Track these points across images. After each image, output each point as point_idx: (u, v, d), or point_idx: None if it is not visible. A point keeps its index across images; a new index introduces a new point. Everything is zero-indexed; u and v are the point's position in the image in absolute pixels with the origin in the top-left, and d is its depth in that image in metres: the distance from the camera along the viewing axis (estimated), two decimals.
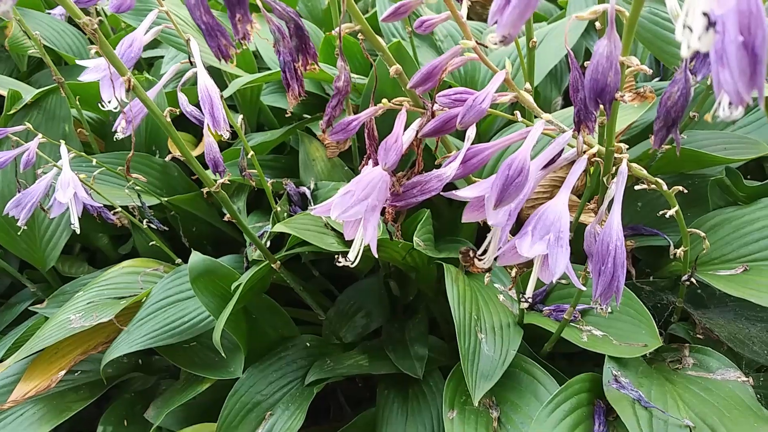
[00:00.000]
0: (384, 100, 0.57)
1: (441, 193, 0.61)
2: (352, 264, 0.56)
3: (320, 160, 1.31)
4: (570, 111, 1.23)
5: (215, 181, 0.93)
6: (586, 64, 0.54)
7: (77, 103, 1.41)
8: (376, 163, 0.60)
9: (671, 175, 1.24)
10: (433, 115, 0.59)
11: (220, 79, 1.78)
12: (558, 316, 1.04)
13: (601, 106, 0.49)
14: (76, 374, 1.31)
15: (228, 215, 0.89)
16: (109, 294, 1.29)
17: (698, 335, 1.04)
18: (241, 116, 0.97)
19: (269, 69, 1.52)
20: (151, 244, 1.25)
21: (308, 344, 1.22)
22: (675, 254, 0.90)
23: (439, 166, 0.63)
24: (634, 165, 0.66)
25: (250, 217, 1.32)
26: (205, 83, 0.82)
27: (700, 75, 0.47)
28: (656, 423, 0.83)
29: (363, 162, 0.61)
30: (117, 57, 0.72)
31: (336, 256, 0.57)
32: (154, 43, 1.95)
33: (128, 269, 1.35)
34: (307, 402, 1.12)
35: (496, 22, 0.38)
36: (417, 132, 0.59)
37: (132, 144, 0.88)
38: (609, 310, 0.60)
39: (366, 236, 0.54)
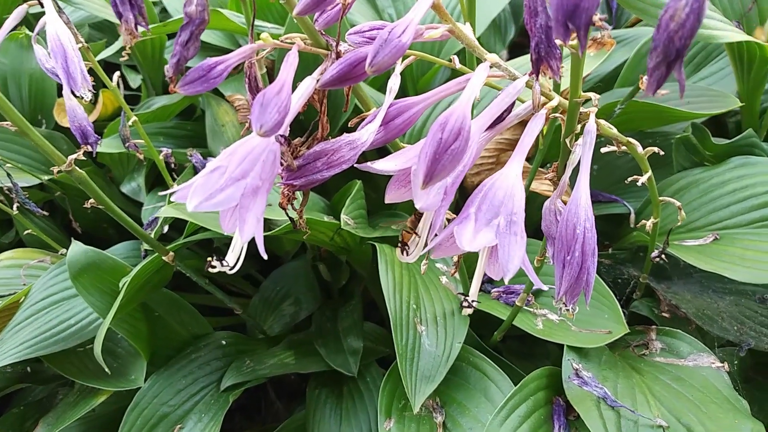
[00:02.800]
0: (264, 36, 0.40)
1: (355, 166, 0.45)
2: (230, 270, 0.40)
3: (231, 126, 1.12)
4: (519, 62, 1.08)
5: (91, 154, 0.74)
6: None
7: None
8: None
9: (629, 133, 1.11)
10: (338, 58, 0.43)
11: (111, 33, 1.54)
12: (508, 299, 0.90)
13: (573, 35, 0.33)
14: None
15: (92, 200, 0.69)
16: None
17: (663, 313, 0.92)
18: (116, 76, 0.78)
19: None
20: (26, 233, 1.04)
21: (224, 342, 1.06)
22: (642, 225, 0.77)
23: (353, 129, 0.47)
24: (603, 122, 0.51)
25: (149, 196, 1.12)
26: (56, 30, 0.63)
27: None
28: (625, 424, 0.71)
29: (246, 126, 0.44)
30: None
31: (208, 260, 0.40)
32: None
33: (8, 262, 1.14)
34: (223, 410, 0.96)
35: None
36: (318, 81, 0.43)
37: None
38: (576, 309, 0.46)
39: (243, 231, 0.38)
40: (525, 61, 1.10)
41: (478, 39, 1.34)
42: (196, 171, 1.09)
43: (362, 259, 1.12)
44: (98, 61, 1.08)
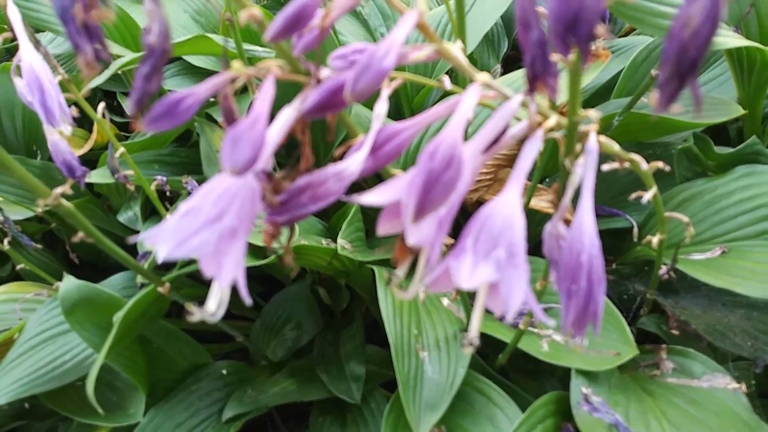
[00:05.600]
0: (237, 64, 0.37)
1: (342, 198, 0.43)
2: (212, 318, 0.38)
3: None
4: (513, 77, 1.06)
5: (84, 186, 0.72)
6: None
7: None
8: None
9: (628, 144, 1.09)
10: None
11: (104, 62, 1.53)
12: (512, 320, 0.87)
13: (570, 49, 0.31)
14: None
15: (81, 234, 0.67)
16: None
17: (672, 330, 0.89)
18: (101, 106, 0.76)
19: None
20: (19, 267, 1.02)
21: (224, 371, 1.03)
22: (647, 241, 0.75)
23: (340, 158, 0.44)
24: (604, 139, 0.49)
25: (146, 224, 1.10)
26: (31, 63, 0.61)
27: None
28: None
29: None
30: None
31: (186, 305, 0.38)
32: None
33: (4, 296, 1.12)
34: None
35: None
36: (298, 111, 0.41)
37: None
38: (585, 342, 0.43)
39: (221, 277, 0.35)
40: (519, 75, 1.08)
41: (471, 54, 1.32)
42: None
43: (362, 281, 1.09)
44: (94, 90, 1.07)
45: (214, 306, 0.37)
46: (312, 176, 0.41)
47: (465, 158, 0.39)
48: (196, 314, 0.37)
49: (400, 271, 0.46)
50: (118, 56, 1.18)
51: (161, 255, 0.33)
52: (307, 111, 0.37)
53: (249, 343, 1.11)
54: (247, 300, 0.37)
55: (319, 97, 0.37)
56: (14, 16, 0.63)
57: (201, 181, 1.11)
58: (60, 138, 0.69)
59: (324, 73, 0.42)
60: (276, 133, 0.38)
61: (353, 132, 0.47)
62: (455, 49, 0.41)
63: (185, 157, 1.22)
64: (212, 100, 1.23)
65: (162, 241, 0.34)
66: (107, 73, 1.04)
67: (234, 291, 0.38)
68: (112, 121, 1.31)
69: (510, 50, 1.52)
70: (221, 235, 0.35)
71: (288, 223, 0.41)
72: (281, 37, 0.35)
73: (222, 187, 0.37)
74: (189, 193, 1.05)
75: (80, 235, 0.65)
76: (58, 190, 0.59)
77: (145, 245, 1.02)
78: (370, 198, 0.40)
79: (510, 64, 1.63)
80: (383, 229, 0.46)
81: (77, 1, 0.31)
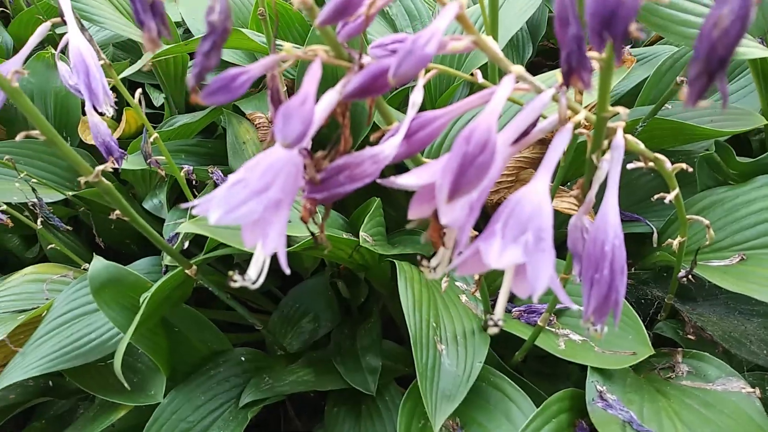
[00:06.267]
0: (287, 45, 0.40)
1: (377, 180, 0.45)
2: (253, 284, 0.40)
3: (251, 144, 1.13)
4: (540, 78, 1.07)
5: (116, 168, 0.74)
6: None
7: None
8: None
9: (650, 150, 1.10)
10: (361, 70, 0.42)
11: (136, 52, 1.57)
12: (530, 319, 0.89)
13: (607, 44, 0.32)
14: None
15: (118, 212, 0.70)
16: (7, 307, 1.10)
17: (689, 335, 0.90)
18: (138, 92, 0.79)
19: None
20: (50, 247, 1.05)
21: (243, 358, 1.05)
22: (666, 245, 0.76)
23: (375, 143, 0.46)
24: (630, 137, 0.50)
25: (171, 212, 1.13)
26: (78, 46, 0.64)
27: None
28: None
29: (269, 138, 0.44)
30: None
31: (230, 274, 0.40)
32: None
33: (32, 276, 1.15)
34: (242, 427, 0.95)
35: None
36: (341, 94, 0.43)
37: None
38: (605, 330, 0.45)
39: (266, 245, 0.38)
40: (546, 77, 1.09)
41: None
42: (216, 187, 1.09)
43: (381, 276, 1.11)
44: (122, 80, 1.10)
45: (255, 274, 0.39)
46: (350, 157, 0.43)
47: (498, 145, 0.41)
48: (238, 281, 0.39)
49: (434, 261, 0.48)
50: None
51: (212, 220, 0.35)
52: (350, 93, 0.39)
53: (266, 333, 1.13)
54: (286, 270, 0.38)
55: (362, 80, 0.39)
56: (65, 1, 0.66)
57: (226, 172, 1.14)
58: (100, 120, 0.72)
59: (365, 59, 0.44)
60: (320, 112, 0.40)
61: (389, 118, 0.49)
62: (491, 41, 0.43)
63: (211, 147, 1.25)
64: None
65: (213, 208, 0.36)
66: (143, 61, 1.07)
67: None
68: None
69: (534, 56, 1.53)
70: (267, 206, 0.37)
71: (325, 201, 0.43)
72: (330, 22, 0.37)
73: (268, 161, 0.39)
74: (215, 183, 1.08)
75: (116, 212, 0.67)
76: (100, 167, 0.61)
77: (169, 229, 1.05)
78: (406, 180, 0.41)
79: (534, 69, 1.64)
80: (413, 213, 0.48)
81: None
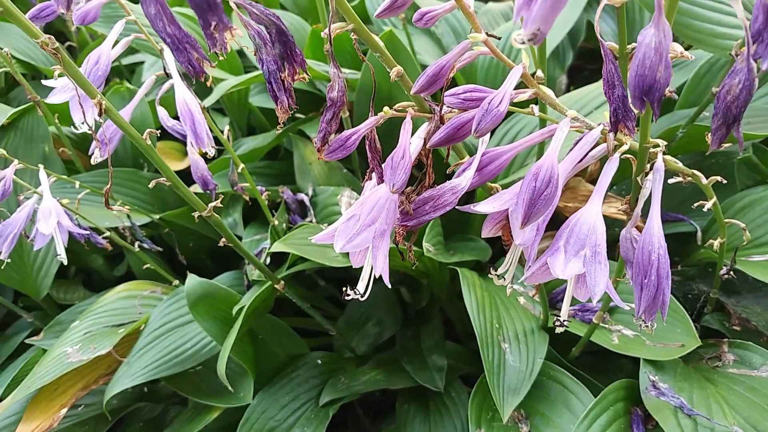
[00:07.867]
0: (386, 109, 0.49)
1: (457, 208, 0.54)
2: (362, 297, 0.49)
3: (317, 164, 1.23)
4: (580, 94, 1.15)
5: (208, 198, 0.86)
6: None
7: (56, 120, 1.34)
8: (380, 178, 0.52)
9: (690, 154, 1.17)
10: (442, 121, 0.52)
11: (202, 83, 1.69)
12: (584, 317, 0.97)
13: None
14: (79, 409, 1.24)
15: (224, 239, 0.82)
16: (107, 322, 1.22)
17: (734, 326, 0.96)
18: (227, 126, 0.90)
19: (256, 68, 1.44)
20: (145, 267, 1.18)
21: (319, 361, 1.16)
22: (709, 243, 0.83)
23: (451, 176, 0.56)
24: (670, 158, 0.58)
25: (247, 230, 1.24)
26: (184, 97, 0.74)
27: (766, 62, 0.37)
28: None
29: (366, 177, 0.54)
30: (84, 77, 0.64)
31: (344, 290, 0.50)
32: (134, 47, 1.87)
33: (124, 293, 1.28)
34: (323, 425, 1.06)
35: (521, 18, 0.31)
36: (425, 141, 0.52)
37: (109, 164, 0.80)
38: (655, 325, 0.53)
39: (376, 266, 0.47)
40: (587, 91, 1.17)
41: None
42: (287, 206, 1.20)
43: (440, 282, 1.20)
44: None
45: (363, 287, 0.49)
46: (433, 190, 0.53)
47: (559, 178, 0.50)
48: (351, 294, 0.49)
49: (501, 270, 0.57)
50: (221, 80, 1.34)
51: (337, 248, 0.46)
52: (436, 142, 0.49)
53: (338, 337, 1.23)
54: (388, 284, 0.48)
55: (447, 132, 0.48)
56: (169, 59, 0.77)
57: (294, 191, 1.25)
58: (199, 157, 0.83)
59: (443, 110, 0.53)
60: (411, 160, 0.50)
61: (461, 155, 0.58)
62: (548, 92, 0.52)
63: (278, 169, 1.36)
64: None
65: (336, 239, 0.46)
66: (216, 95, 1.19)
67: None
68: None
69: (574, 61, 1.60)
70: (375, 235, 0.47)
71: (414, 227, 0.53)
72: (424, 92, 0.46)
73: (374, 199, 0.48)
74: (285, 201, 1.18)
75: (222, 240, 0.78)
76: (212, 204, 0.72)
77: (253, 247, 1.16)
78: (483, 207, 0.51)
79: (574, 73, 1.71)
80: (486, 232, 0.58)
81: (282, 69, 0.43)
